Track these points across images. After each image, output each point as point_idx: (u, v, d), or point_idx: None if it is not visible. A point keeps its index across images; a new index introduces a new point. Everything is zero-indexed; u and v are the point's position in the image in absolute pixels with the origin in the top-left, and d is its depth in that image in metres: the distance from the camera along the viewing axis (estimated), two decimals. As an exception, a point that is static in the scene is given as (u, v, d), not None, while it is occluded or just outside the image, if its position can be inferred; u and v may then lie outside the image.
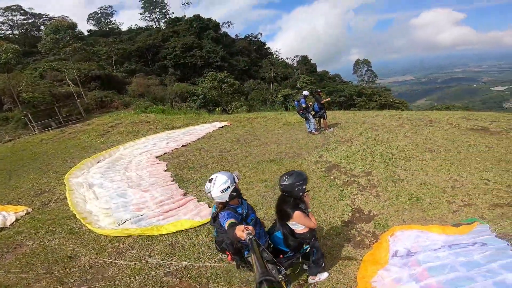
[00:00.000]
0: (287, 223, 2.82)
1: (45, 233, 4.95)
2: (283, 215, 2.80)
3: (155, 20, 60.06)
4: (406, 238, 3.49)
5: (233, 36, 61.05)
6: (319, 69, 58.19)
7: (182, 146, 10.12)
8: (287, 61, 57.91)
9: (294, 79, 45.05)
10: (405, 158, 6.67)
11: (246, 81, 42.83)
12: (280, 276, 2.35)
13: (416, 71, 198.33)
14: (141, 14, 58.97)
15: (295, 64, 55.62)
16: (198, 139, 10.91)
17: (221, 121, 13.93)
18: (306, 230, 2.80)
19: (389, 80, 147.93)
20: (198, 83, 35.19)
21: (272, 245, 2.84)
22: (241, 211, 2.54)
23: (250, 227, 2.01)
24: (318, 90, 10.85)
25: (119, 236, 4.35)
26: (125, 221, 4.70)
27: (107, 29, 55.26)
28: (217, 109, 23.74)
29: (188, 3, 69.01)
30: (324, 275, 3.20)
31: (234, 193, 2.48)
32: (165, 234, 4.24)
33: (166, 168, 7.96)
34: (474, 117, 10.89)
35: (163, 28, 55.17)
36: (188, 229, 4.32)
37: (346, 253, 3.65)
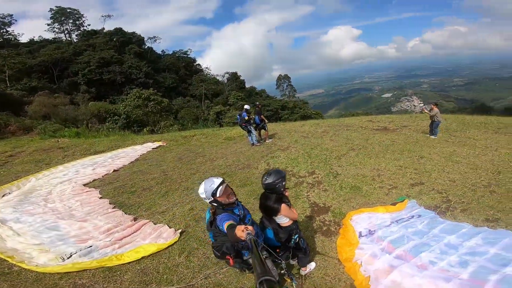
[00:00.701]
0: (274, 218, 2.98)
1: (-37, 278, 3.67)
2: (270, 211, 2.94)
3: (66, 32, 52.60)
4: (362, 220, 4.13)
5: (159, 52, 58.66)
6: (247, 85, 61.00)
7: (114, 171, 9.04)
8: (218, 77, 58.58)
9: (226, 95, 45.97)
10: (336, 157, 7.82)
11: (175, 98, 41.39)
12: (282, 271, 2.43)
13: (326, 84, 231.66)
14: (48, 25, 50.86)
15: (226, 81, 56.79)
16: (132, 162, 9.95)
17: (154, 141, 13.02)
18: (290, 222, 3.01)
19: (305, 94, 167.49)
20: (119, 102, 32.08)
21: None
22: (238, 212, 2.57)
23: (250, 227, 2.05)
24: (258, 103, 11.64)
25: (71, 272, 3.63)
26: (71, 255, 3.99)
27: (1, 39, 45.07)
28: (144, 129, 22.03)
29: (108, 16, 63.01)
30: (312, 264, 3.46)
31: (214, 204, 2.51)
32: (130, 262, 3.74)
33: (101, 195, 7.01)
34: (377, 120, 13.64)
35: (76, 41, 48.53)
36: (155, 253, 3.92)
37: (320, 242, 4.01)
